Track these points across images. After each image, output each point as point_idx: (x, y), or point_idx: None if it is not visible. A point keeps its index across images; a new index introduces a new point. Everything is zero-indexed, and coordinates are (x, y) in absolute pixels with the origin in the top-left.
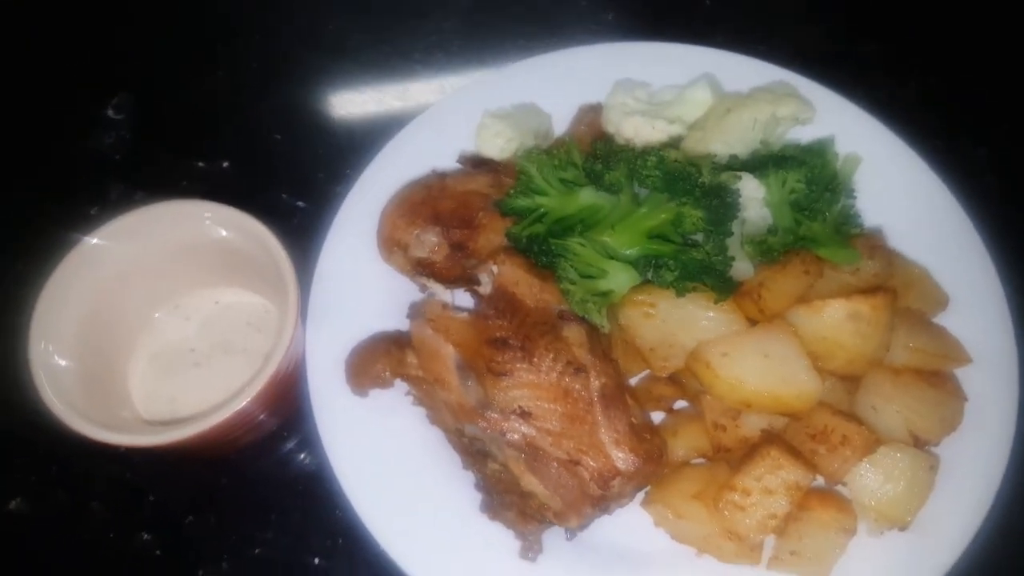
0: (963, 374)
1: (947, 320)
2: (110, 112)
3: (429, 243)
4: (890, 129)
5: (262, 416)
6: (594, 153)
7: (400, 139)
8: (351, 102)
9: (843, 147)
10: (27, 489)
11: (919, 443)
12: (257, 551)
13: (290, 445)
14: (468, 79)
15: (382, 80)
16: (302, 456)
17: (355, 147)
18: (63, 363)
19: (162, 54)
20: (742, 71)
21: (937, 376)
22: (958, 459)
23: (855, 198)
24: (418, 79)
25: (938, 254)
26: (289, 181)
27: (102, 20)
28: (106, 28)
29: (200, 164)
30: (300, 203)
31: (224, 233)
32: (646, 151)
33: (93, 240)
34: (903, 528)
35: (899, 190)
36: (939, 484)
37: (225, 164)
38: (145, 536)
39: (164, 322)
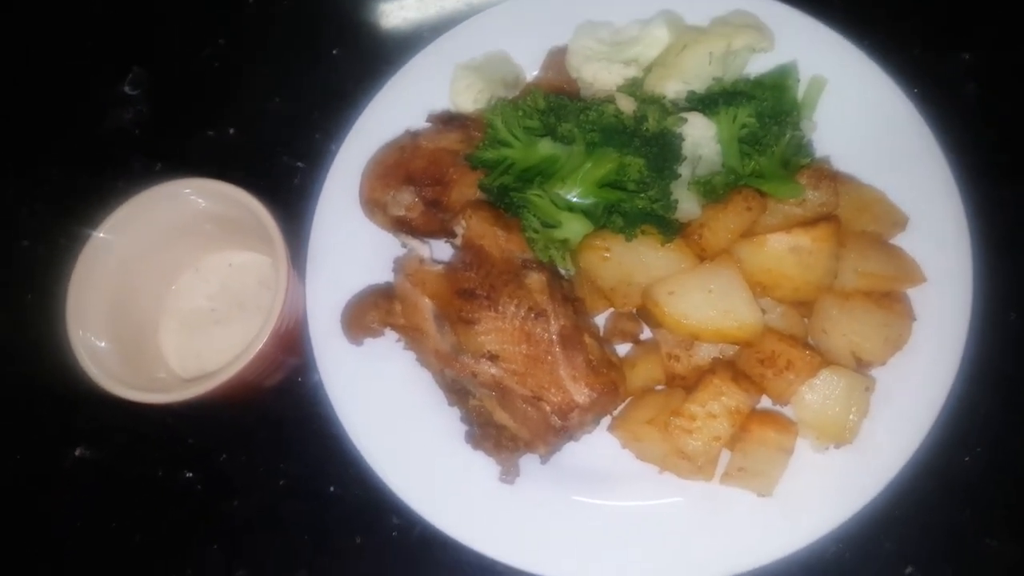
0: (919, 293)
1: (906, 239)
2: (127, 88)
3: (404, 202)
4: (860, 44)
5: (277, 361)
6: (549, 105)
7: (379, 99)
8: (342, 61)
9: (809, 69)
10: (89, 438)
11: (861, 365)
12: (282, 482)
13: (309, 384)
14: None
15: (373, 41)
16: (320, 395)
17: (347, 105)
18: (101, 344)
19: (166, 25)
20: None
21: (887, 297)
22: (905, 377)
23: (801, 130)
24: (406, 37)
25: (901, 173)
26: (288, 143)
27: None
28: (110, 5)
29: (210, 133)
30: (300, 164)
31: (212, 204)
32: (589, 104)
33: (100, 234)
34: (841, 445)
35: (864, 110)
36: (884, 401)
37: (232, 131)
38: (188, 474)
39: (187, 287)
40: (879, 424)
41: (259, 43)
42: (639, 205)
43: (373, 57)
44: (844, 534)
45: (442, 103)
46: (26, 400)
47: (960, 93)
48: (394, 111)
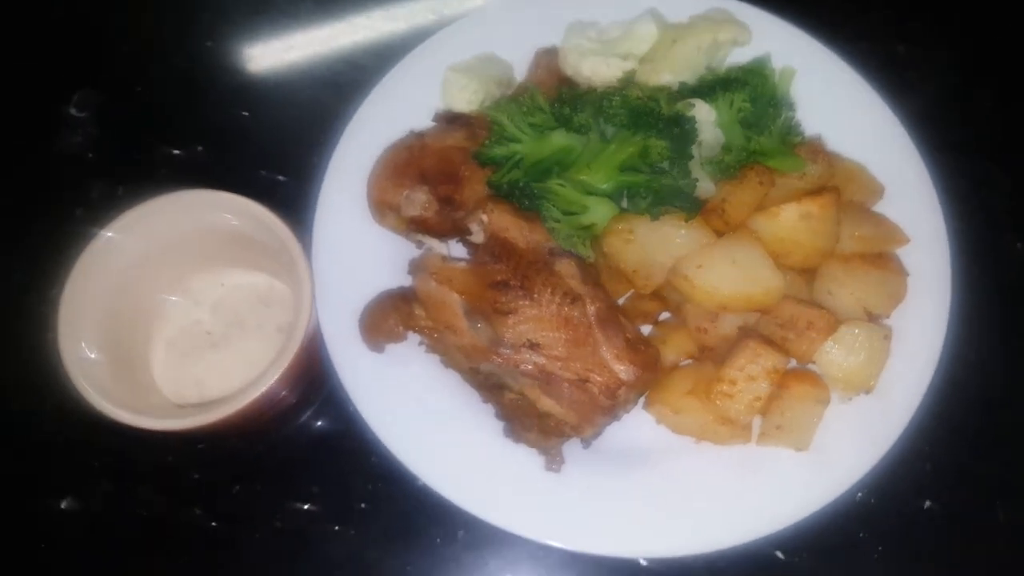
0: (903, 253)
1: (883, 208)
2: (73, 111)
3: (419, 201)
4: (819, 39)
5: (285, 392)
6: (561, 98)
7: (371, 102)
8: (313, 69)
9: (778, 63)
10: (75, 487)
11: (872, 318)
12: (306, 507)
13: (306, 415)
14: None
15: (339, 47)
16: (319, 422)
17: (324, 115)
18: (93, 356)
19: (114, 44)
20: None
21: (881, 257)
22: (908, 326)
23: (794, 110)
24: (379, 49)
25: (870, 150)
26: (265, 157)
27: (47, 17)
28: (53, 25)
29: (175, 151)
30: (280, 177)
31: (229, 218)
32: (609, 92)
33: (108, 234)
34: (868, 392)
35: (831, 96)
36: (894, 350)
37: (199, 148)
38: (197, 511)
39: (175, 308)
40: (892, 371)
41: (218, 56)
42: (667, 183)
43: (346, 67)
44: (866, 481)
45: (434, 105)
46: None
47: (901, 79)
48: (387, 114)
